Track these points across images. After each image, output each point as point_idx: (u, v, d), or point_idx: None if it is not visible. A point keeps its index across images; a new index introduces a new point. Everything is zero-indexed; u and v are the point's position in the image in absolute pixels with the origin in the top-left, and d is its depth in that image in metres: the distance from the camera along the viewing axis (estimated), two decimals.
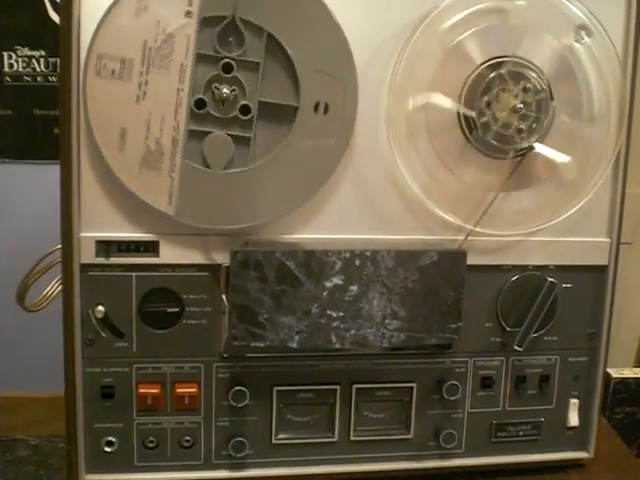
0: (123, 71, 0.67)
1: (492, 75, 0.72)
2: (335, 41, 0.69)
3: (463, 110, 0.72)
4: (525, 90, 0.73)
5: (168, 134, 0.68)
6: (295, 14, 0.68)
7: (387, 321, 0.73)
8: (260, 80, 0.69)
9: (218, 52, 0.68)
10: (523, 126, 0.73)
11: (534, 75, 0.73)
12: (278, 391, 0.77)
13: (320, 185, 0.72)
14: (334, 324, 0.72)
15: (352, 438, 0.79)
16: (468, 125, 0.73)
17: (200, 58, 0.68)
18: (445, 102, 0.72)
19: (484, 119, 0.72)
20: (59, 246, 0.75)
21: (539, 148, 0.74)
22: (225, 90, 0.68)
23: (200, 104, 0.69)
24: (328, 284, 0.71)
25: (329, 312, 0.72)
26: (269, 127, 0.70)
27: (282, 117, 0.70)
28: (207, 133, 0.69)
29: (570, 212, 0.76)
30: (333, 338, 0.72)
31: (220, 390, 0.76)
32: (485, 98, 0.72)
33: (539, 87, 0.73)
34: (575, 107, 0.75)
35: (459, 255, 0.74)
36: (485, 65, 0.72)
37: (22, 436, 0.89)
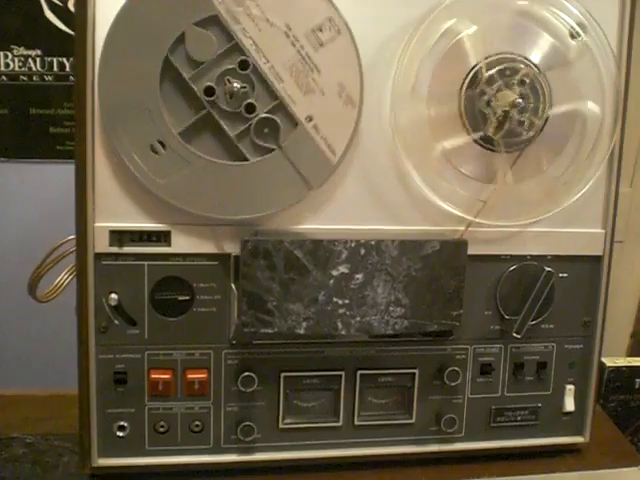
0: None
1: (488, 74, 0.74)
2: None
3: (474, 136, 0.76)
4: (522, 83, 0.75)
5: None
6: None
7: (391, 308, 0.75)
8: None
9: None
10: (524, 118, 0.76)
11: (528, 66, 0.75)
12: (285, 377, 0.79)
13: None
14: (340, 311, 0.74)
15: (356, 423, 0.82)
16: (472, 125, 0.76)
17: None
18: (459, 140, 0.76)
19: (491, 123, 0.75)
20: (70, 237, 0.77)
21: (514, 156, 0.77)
22: (235, 84, 0.71)
23: (209, 91, 0.71)
24: (335, 272, 0.74)
25: (335, 300, 0.74)
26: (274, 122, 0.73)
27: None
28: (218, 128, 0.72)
29: (567, 204, 0.79)
30: (339, 325, 0.75)
31: (229, 376, 0.78)
32: (485, 97, 0.75)
33: (533, 77, 0.75)
34: (570, 88, 0.77)
35: (461, 244, 0.76)
36: (480, 64, 0.75)
37: (18, 434, 0.90)
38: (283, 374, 0.79)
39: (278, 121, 0.72)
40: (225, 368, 0.78)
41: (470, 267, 0.77)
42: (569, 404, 0.86)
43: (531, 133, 0.76)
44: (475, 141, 0.76)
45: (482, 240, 0.80)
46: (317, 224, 0.76)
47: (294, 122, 0.72)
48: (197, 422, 0.79)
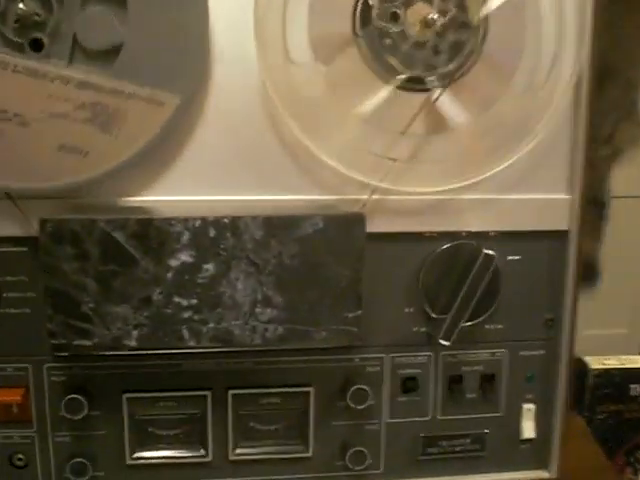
0: None
1: None
2: None
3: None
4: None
5: None
6: None
7: (258, 310, 0.55)
8: None
9: None
10: (429, 50, 0.54)
11: None
12: (129, 399, 0.59)
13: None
14: (185, 315, 0.54)
15: (231, 457, 0.61)
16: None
17: None
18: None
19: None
20: None
21: (436, 94, 0.55)
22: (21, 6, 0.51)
23: None
24: (173, 262, 0.53)
25: (177, 299, 0.54)
26: None
27: None
28: None
29: (511, 160, 0.57)
30: (185, 333, 0.54)
31: (55, 397, 0.59)
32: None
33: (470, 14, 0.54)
34: (504, 72, 0.57)
35: (354, 220, 0.55)
36: None
37: None
38: (126, 395, 0.59)
39: None
40: (49, 386, 0.59)
41: (380, 250, 0.58)
42: (528, 429, 0.64)
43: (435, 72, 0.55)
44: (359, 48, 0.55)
45: (396, 212, 0.58)
46: (154, 195, 0.56)
47: None
48: (19, 455, 0.60)
